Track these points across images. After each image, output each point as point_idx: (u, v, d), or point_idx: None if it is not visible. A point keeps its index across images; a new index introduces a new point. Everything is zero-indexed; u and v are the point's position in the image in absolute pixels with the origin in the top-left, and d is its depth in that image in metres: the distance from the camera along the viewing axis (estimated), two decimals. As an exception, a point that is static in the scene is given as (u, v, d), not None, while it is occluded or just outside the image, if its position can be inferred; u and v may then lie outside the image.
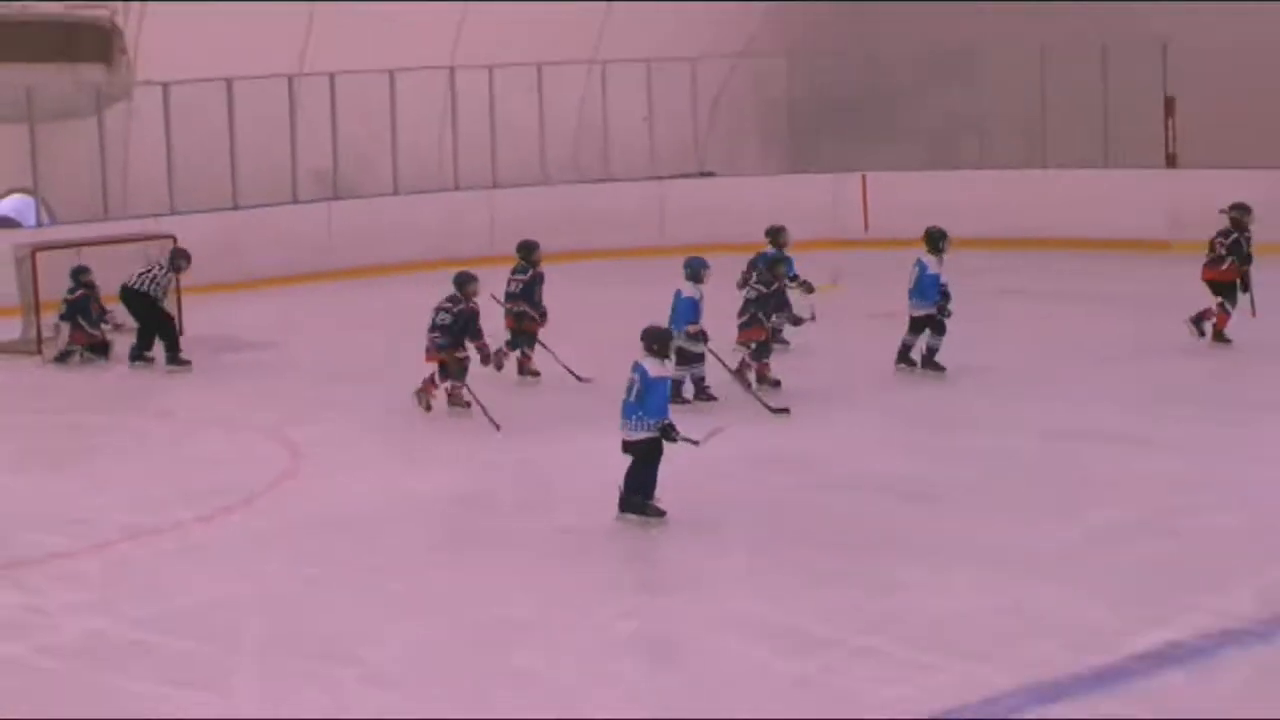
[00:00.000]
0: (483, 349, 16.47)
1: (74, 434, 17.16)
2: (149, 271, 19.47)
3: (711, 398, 16.41)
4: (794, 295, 17.93)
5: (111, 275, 19.81)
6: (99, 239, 21.98)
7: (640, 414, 12.50)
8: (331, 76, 26.75)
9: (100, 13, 25.67)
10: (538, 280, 18.19)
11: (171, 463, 15.65)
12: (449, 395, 16.53)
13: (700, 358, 16.47)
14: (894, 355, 17.65)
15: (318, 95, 26.75)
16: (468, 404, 16.33)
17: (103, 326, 19.97)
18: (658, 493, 12.58)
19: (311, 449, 15.48)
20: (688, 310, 16.37)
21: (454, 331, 16.26)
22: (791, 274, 18.58)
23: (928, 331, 17.58)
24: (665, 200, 28.67)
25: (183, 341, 20.58)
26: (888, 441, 15.17)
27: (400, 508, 13.43)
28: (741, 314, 17.01)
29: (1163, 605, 10.48)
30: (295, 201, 26.91)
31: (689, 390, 16.40)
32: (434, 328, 16.33)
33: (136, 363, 19.55)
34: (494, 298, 17.26)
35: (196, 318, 21.61)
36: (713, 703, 9.29)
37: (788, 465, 14.20)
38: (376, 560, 12.08)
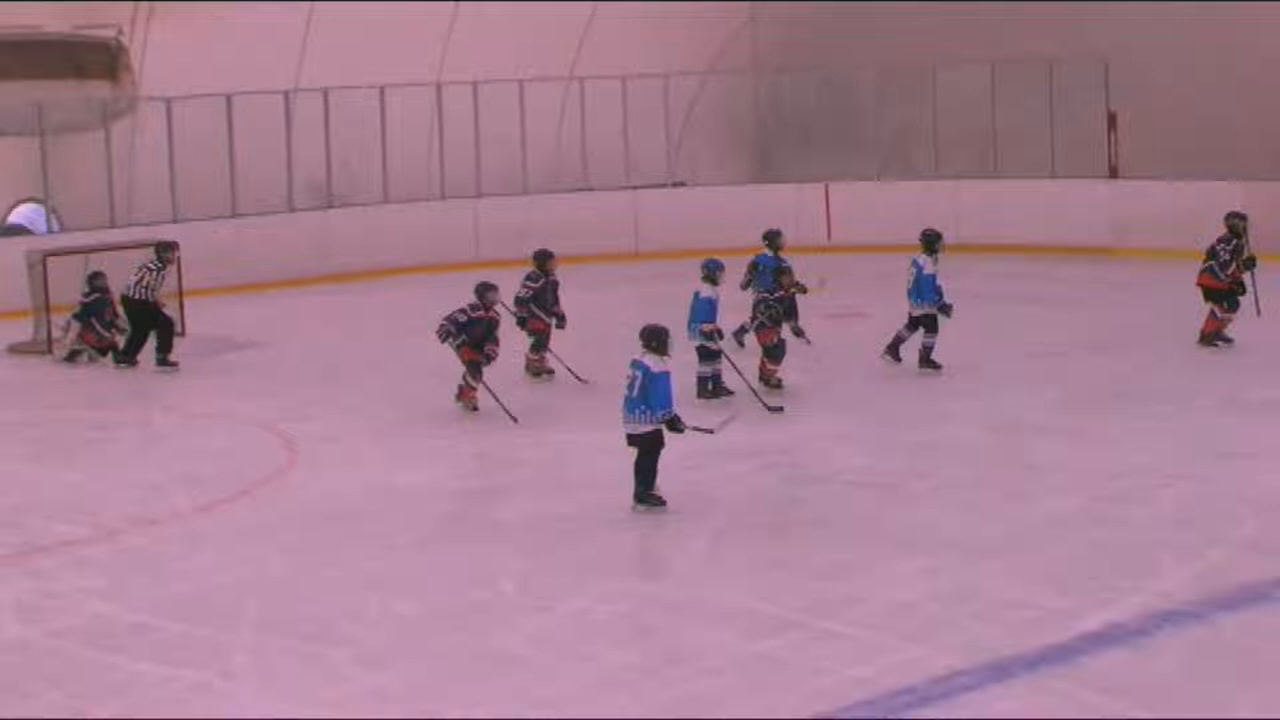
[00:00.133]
0: (493, 353, 16.30)
1: (83, 429, 17.11)
2: (141, 277, 19.29)
3: (729, 392, 16.38)
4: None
5: (121, 280, 19.73)
6: (106, 246, 21.95)
7: (644, 408, 12.49)
8: (325, 92, 26.71)
9: (107, 33, 25.61)
10: (550, 287, 18.00)
11: (174, 456, 15.60)
12: (461, 393, 16.42)
13: (719, 354, 16.49)
14: (859, 352, 17.58)
15: (312, 110, 26.71)
16: (475, 408, 16.22)
17: (113, 330, 19.90)
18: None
19: (306, 443, 15.46)
20: (706, 310, 16.39)
21: (471, 334, 16.08)
22: None
23: (922, 330, 17.55)
24: (640, 209, 28.65)
25: (186, 341, 20.62)
26: (848, 436, 15.14)
27: (391, 499, 13.41)
28: (754, 318, 17.07)
29: (1105, 588, 10.50)
30: (291, 210, 26.85)
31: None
32: (449, 320, 16.09)
33: (121, 364, 19.45)
34: (503, 305, 17.01)
35: (198, 319, 21.60)
36: (681, 681, 9.29)
37: (758, 458, 14.13)
38: (367, 548, 12.06)
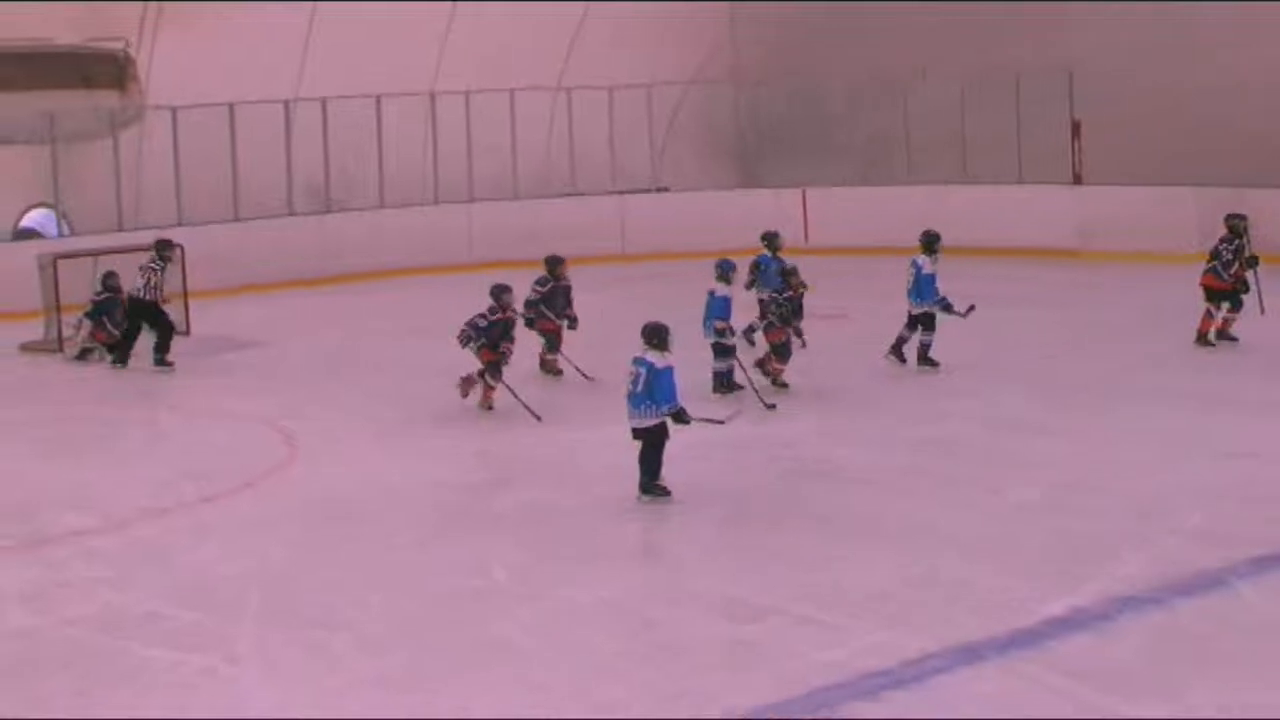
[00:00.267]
0: (509, 351, 16.18)
1: (93, 425, 17.08)
2: (148, 279, 19.23)
3: (739, 387, 16.37)
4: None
5: (130, 282, 19.69)
6: (114, 248, 21.89)
7: (649, 403, 12.48)
8: (324, 101, 26.69)
9: (114, 45, 25.56)
10: (559, 291, 17.89)
11: (181, 451, 15.60)
12: (477, 392, 16.28)
13: (733, 350, 16.50)
14: (839, 352, 17.55)
15: (311, 118, 26.70)
16: (491, 407, 16.12)
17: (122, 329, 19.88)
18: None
19: (307, 438, 15.43)
20: (721, 307, 16.43)
21: (489, 335, 15.96)
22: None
23: (920, 328, 17.52)
24: (625, 213, 28.66)
25: (190, 341, 20.60)
26: (829, 430, 15.14)
27: (391, 492, 13.39)
28: (762, 317, 17.06)
29: (1069, 575, 10.53)
30: (291, 214, 26.82)
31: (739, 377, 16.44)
32: (470, 325, 15.97)
33: (116, 364, 19.43)
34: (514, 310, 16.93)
35: (202, 319, 21.57)
36: (667, 664, 9.32)
37: (744, 451, 14.08)
38: (368, 539, 12.06)
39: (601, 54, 29.44)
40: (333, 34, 26.74)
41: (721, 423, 13.09)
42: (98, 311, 19.92)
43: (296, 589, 10.91)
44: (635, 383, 12.55)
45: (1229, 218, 18.70)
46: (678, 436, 12.69)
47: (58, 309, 20.69)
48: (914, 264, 17.64)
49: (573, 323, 17.88)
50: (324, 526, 12.42)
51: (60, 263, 20.96)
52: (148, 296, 19.14)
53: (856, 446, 14.50)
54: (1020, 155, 27.55)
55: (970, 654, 9.22)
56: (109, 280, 20.02)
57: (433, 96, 28.15)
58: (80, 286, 20.57)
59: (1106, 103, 26.43)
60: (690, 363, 13.68)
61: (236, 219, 25.91)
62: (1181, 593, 10.17)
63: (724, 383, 16.41)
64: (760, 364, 16.75)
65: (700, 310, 16.46)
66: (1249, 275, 18.36)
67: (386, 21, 26.63)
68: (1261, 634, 9.54)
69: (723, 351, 16.47)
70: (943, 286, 17.59)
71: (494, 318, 16.03)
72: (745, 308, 17.96)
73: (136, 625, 10.18)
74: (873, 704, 8.62)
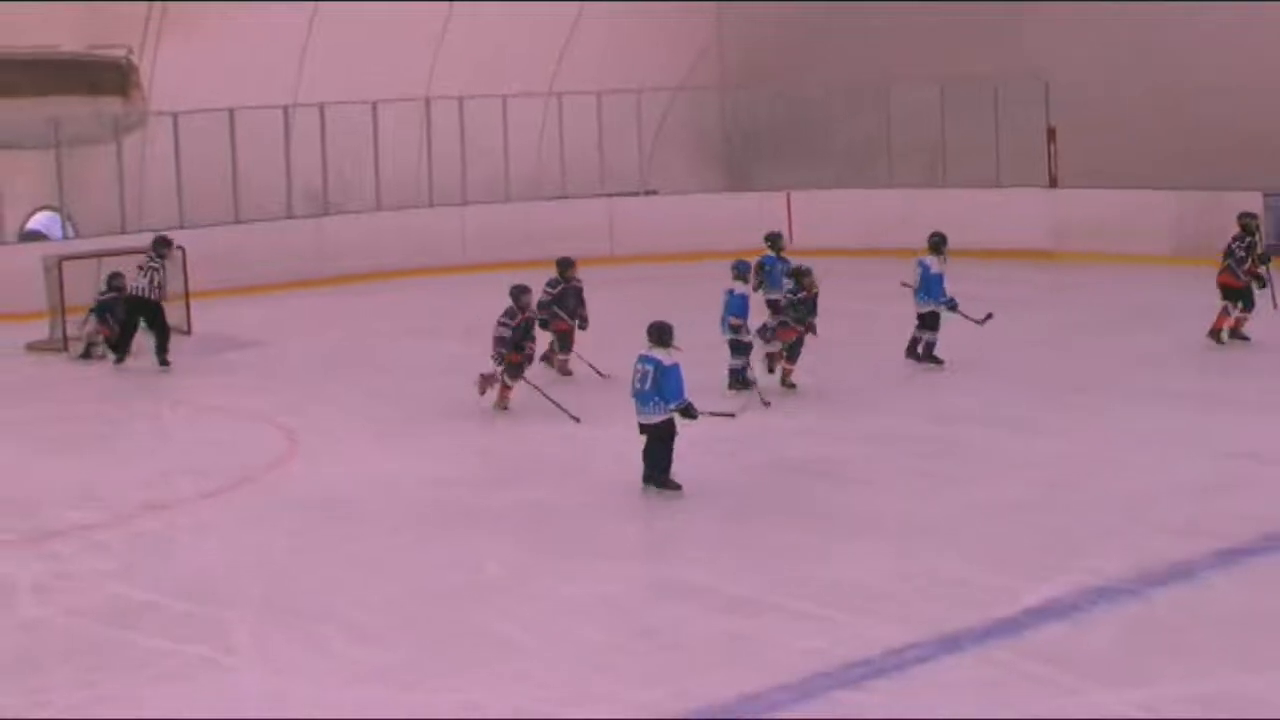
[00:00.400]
0: (531, 350, 16.07)
1: (97, 422, 17.05)
2: (151, 278, 19.16)
3: (752, 382, 16.31)
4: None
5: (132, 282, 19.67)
6: (117, 250, 21.86)
7: (658, 399, 12.48)
8: (321, 107, 26.66)
9: (118, 52, 25.54)
10: (570, 292, 17.73)
11: (182, 447, 15.60)
12: (497, 391, 16.06)
13: (749, 347, 16.47)
14: (832, 350, 17.46)
15: (309, 123, 26.66)
16: (506, 407, 15.95)
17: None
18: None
19: (305, 435, 15.41)
20: (739, 305, 16.45)
21: (513, 341, 15.78)
22: (789, 272, 18.50)
23: (925, 327, 17.44)
24: (614, 215, 28.63)
25: (192, 340, 20.61)
26: (823, 428, 15.07)
27: (385, 487, 13.36)
28: (776, 316, 16.87)
29: (1046, 567, 10.55)
30: (290, 216, 26.79)
31: (753, 373, 16.42)
32: (498, 341, 15.73)
33: (119, 363, 19.38)
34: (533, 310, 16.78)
35: (203, 319, 21.55)
36: (645, 653, 9.34)
37: (741, 448, 14.00)
38: (362, 533, 12.05)
39: (591, 60, 29.47)
40: (330, 42, 26.74)
41: (732, 416, 13.09)
42: (102, 309, 19.91)
43: (294, 581, 10.90)
44: (643, 380, 12.53)
45: (1242, 216, 18.56)
46: (682, 432, 12.67)
47: (62, 310, 20.68)
48: (921, 264, 17.55)
49: (583, 323, 17.78)
50: (323, 522, 12.39)
51: (65, 264, 20.95)
52: (153, 296, 19.09)
53: (850, 444, 14.47)
54: (997, 159, 27.55)
55: (950, 643, 9.23)
56: (114, 281, 19.98)
57: (427, 102, 28.14)
58: (84, 288, 20.55)
59: (1081, 108, 26.48)
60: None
61: (237, 221, 25.87)
62: (1155, 583, 10.20)
63: (739, 379, 16.38)
64: (769, 358, 16.69)
65: (693, 309, 16.36)
66: (1263, 270, 18.21)
67: (382, 30, 26.63)
68: (1232, 624, 9.55)
69: (739, 348, 16.45)
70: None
71: (515, 321, 15.84)
72: (759, 309, 17.84)
73: (139, 617, 10.16)
74: (854, 692, 8.62)
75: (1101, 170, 25.95)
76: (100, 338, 19.88)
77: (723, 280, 16.97)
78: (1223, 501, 12.11)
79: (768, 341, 17.16)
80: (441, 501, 12.90)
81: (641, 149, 30.68)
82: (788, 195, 28.49)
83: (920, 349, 17.55)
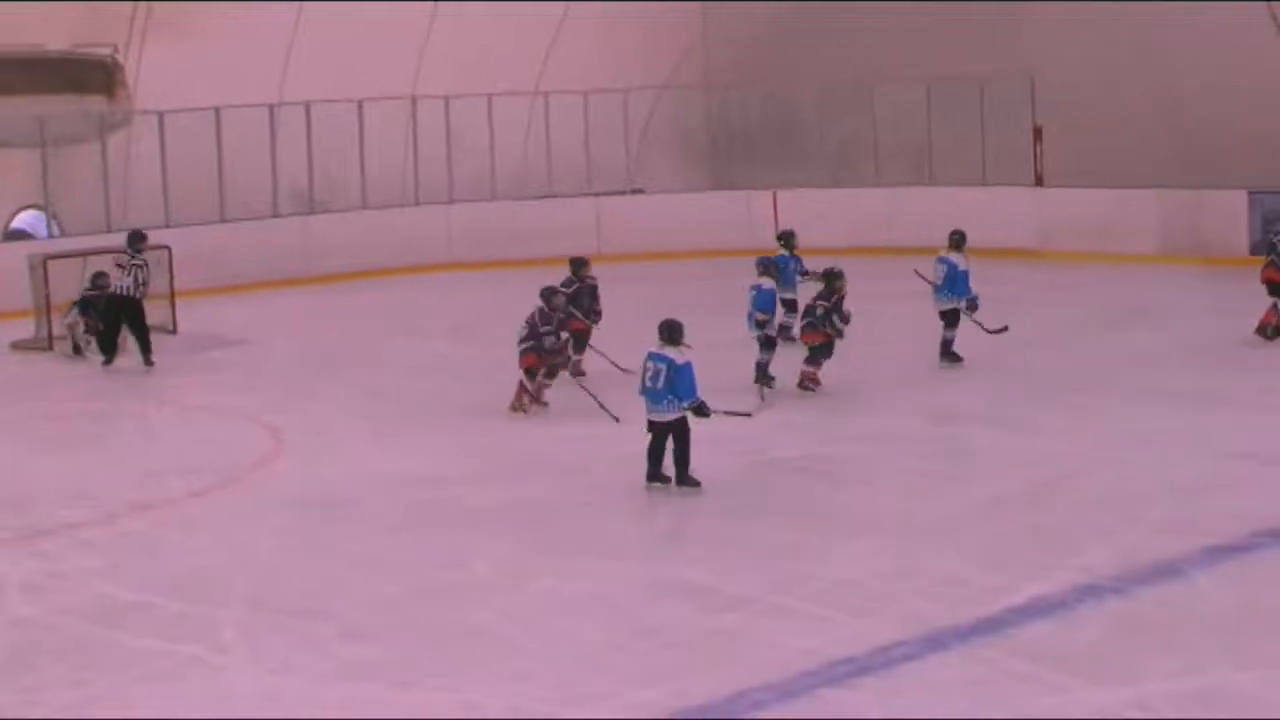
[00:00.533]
0: (560, 350, 15.96)
1: (84, 421, 17.05)
2: (135, 276, 19.06)
3: (771, 377, 16.35)
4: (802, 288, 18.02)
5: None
6: (102, 249, 21.80)
7: (671, 397, 12.51)
8: (307, 105, 26.64)
9: (103, 51, 25.49)
10: (585, 291, 17.62)
11: (169, 446, 15.58)
12: (533, 391, 15.96)
13: (775, 342, 16.47)
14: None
15: (295, 122, 26.64)
16: (546, 403, 15.89)
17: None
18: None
19: (291, 433, 15.42)
20: (766, 300, 16.49)
21: (547, 345, 15.68)
22: (802, 269, 18.55)
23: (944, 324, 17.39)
24: (601, 214, 28.62)
25: (178, 339, 20.61)
26: (808, 427, 15.07)
27: (372, 485, 13.37)
28: (803, 317, 16.66)
29: (1032, 565, 10.60)
30: (276, 215, 26.75)
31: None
32: (541, 351, 15.65)
33: (108, 363, 19.35)
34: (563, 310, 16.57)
35: (189, 318, 21.53)
36: (642, 652, 9.36)
37: (741, 446, 13.94)
38: (355, 532, 12.07)
39: (577, 60, 29.45)
40: (316, 41, 26.69)
41: (748, 415, 13.11)
42: (85, 305, 19.93)
43: (281, 579, 10.93)
44: (655, 378, 12.55)
45: None
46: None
47: (47, 309, 20.66)
48: (946, 261, 17.48)
49: (597, 318, 17.69)
50: (313, 520, 12.41)
51: (50, 263, 20.93)
52: (138, 294, 19.06)
53: (849, 443, 14.50)
54: (983, 158, 27.60)
55: (936, 641, 9.27)
56: (99, 280, 19.96)
57: (413, 101, 28.13)
58: (70, 286, 20.54)
59: (1067, 107, 26.54)
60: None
61: (222, 220, 25.84)
62: (1141, 581, 10.25)
63: (764, 374, 16.40)
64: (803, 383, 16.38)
65: (683, 308, 16.29)
66: None
67: (368, 28, 26.59)
68: (1223, 621, 9.61)
69: (766, 343, 16.47)
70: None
71: (555, 326, 15.80)
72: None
73: (127, 616, 10.18)
74: (841, 690, 8.66)
75: (1087, 169, 26.01)
76: (83, 329, 19.88)
77: (709, 279, 17.06)
78: (1221, 501, 12.15)
79: (792, 340, 17.11)
80: (439, 500, 12.89)
81: (628, 148, 30.70)
82: (773, 194, 28.51)
83: (939, 346, 17.46)
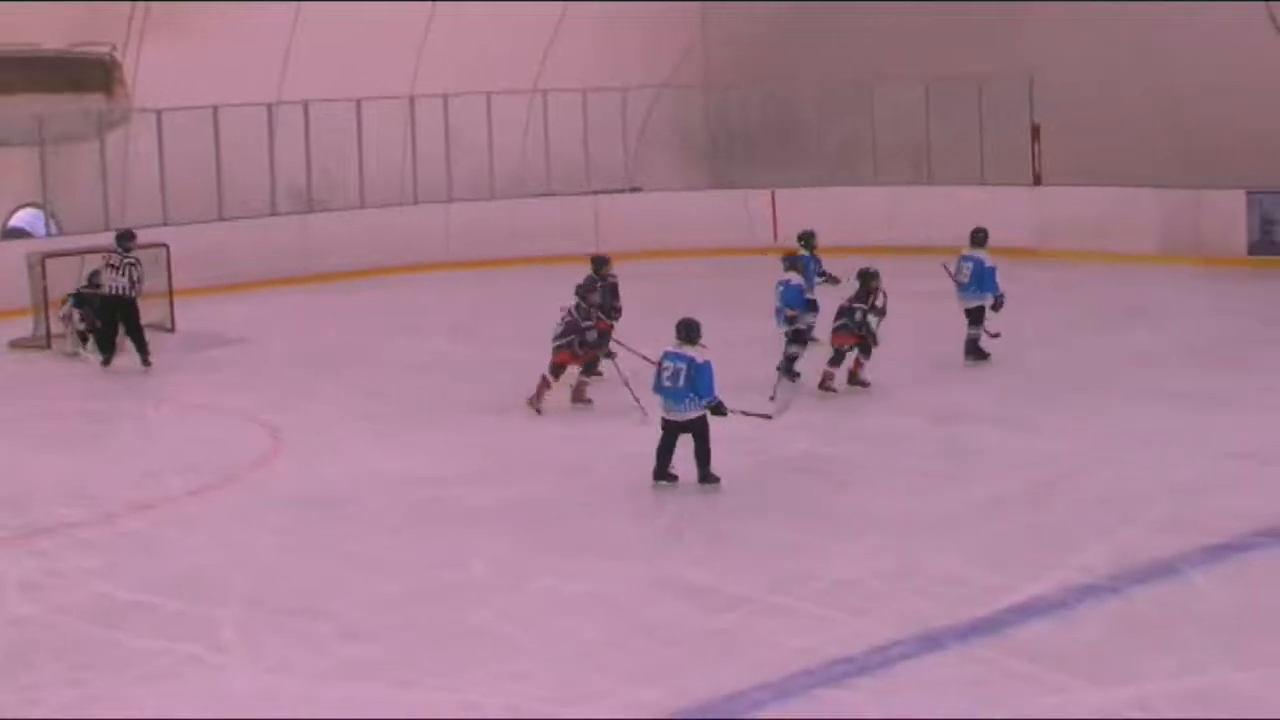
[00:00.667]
0: (610, 329, 16.01)
1: (82, 419, 17.06)
2: (128, 276, 18.98)
3: (795, 374, 16.34)
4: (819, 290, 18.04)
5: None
6: (101, 248, 21.76)
7: (693, 396, 12.51)
8: (305, 104, 26.64)
9: (102, 49, 25.47)
10: (606, 289, 17.44)
11: (167, 445, 15.58)
12: (574, 391, 15.95)
13: (805, 337, 16.41)
14: (823, 350, 17.40)
15: (293, 121, 26.64)
16: (590, 400, 15.88)
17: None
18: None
19: (290, 432, 15.42)
20: (795, 295, 16.50)
21: (589, 339, 15.69)
22: (820, 271, 18.52)
23: (969, 322, 17.36)
24: (599, 212, 28.63)
25: (176, 338, 20.60)
26: (809, 426, 14.95)
27: (371, 484, 13.37)
28: (836, 319, 16.36)
29: (1031, 564, 10.60)
30: (274, 214, 26.75)
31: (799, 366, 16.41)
32: (588, 343, 15.70)
33: (106, 364, 19.32)
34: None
35: (187, 317, 21.51)
36: (641, 652, 9.36)
37: (740, 445, 13.77)
38: (348, 530, 12.07)
39: (576, 58, 29.45)
40: (314, 39, 26.68)
41: (769, 418, 13.09)
42: (79, 301, 19.94)
43: (279, 578, 10.93)
44: (675, 378, 12.54)
45: None
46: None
47: (45, 307, 20.66)
48: (972, 259, 17.43)
49: (617, 315, 17.60)
50: (312, 520, 12.40)
51: (48, 261, 20.93)
52: (133, 293, 19.03)
53: (850, 443, 14.50)
54: (982, 158, 27.61)
55: (935, 641, 9.27)
56: (95, 279, 19.95)
57: (411, 100, 28.12)
58: (68, 285, 20.56)
59: (1065, 107, 26.53)
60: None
61: (221, 219, 25.84)
62: (1138, 581, 10.25)
63: (790, 368, 16.35)
64: (824, 384, 16.29)
65: (686, 307, 16.26)
66: None
67: (366, 27, 26.59)
68: (1222, 621, 9.62)
69: (797, 337, 16.44)
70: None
71: (594, 322, 15.80)
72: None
73: (126, 615, 10.18)
74: (839, 690, 8.66)
75: (1086, 169, 26.02)
76: (78, 319, 19.89)
77: (708, 278, 17.05)
78: (1221, 501, 12.15)
79: (814, 340, 17.07)
80: (438, 499, 12.88)
81: (626, 147, 30.71)
82: (772, 193, 28.53)
83: (965, 344, 17.41)
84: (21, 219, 26.92)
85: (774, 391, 15.63)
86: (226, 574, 10.97)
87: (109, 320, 19.29)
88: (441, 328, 21.72)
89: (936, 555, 10.94)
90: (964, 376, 17.15)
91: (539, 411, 15.66)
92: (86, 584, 10.90)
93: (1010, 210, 26.82)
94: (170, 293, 21.41)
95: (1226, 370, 17.09)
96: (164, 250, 21.31)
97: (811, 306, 17.91)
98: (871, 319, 16.19)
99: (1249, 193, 24.33)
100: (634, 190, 30.53)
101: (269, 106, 26.48)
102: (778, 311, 16.58)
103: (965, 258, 17.55)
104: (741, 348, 16.56)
